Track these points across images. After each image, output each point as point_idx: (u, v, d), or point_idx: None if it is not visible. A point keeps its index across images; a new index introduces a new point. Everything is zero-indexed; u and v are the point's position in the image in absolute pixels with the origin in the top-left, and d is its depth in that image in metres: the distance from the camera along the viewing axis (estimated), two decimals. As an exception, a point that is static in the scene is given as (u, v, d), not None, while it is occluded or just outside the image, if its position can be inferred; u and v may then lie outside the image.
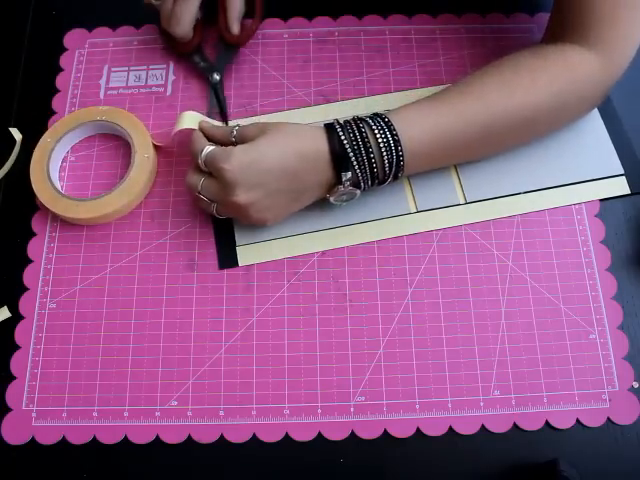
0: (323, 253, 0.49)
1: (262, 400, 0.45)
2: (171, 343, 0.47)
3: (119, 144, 0.53)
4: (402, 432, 0.44)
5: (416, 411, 0.45)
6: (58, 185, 0.51)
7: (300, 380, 0.46)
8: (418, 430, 0.44)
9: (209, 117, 0.52)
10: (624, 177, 0.48)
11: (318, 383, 0.46)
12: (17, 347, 0.47)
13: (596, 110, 0.51)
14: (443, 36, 0.57)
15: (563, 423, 0.44)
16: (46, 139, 0.51)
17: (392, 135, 0.43)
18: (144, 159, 0.50)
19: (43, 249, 0.50)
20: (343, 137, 0.43)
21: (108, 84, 0.56)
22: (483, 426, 0.44)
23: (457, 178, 0.50)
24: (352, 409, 0.45)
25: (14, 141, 0.54)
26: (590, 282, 0.48)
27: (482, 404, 0.45)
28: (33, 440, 0.45)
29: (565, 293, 0.48)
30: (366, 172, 0.44)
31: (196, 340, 0.47)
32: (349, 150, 0.43)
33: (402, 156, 0.44)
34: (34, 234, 0.51)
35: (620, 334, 0.47)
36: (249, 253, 0.49)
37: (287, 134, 0.43)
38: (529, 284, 0.48)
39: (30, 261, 0.50)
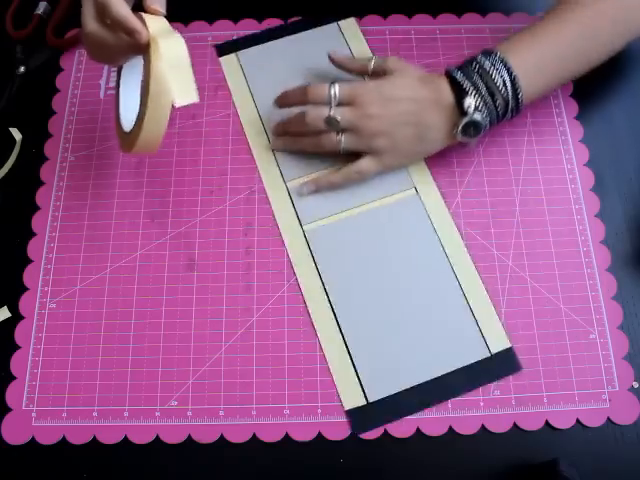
0: (323, 253, 0.49)
1: (262, 400, 0.45)
2: (171, 343, 0.47)
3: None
4: (402, 432, 0.44)
5: (416, 411, 0.45)
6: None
7: (300, 380, 0.46)
8: (418, 430, 0.44)
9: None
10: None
11: (318, 383, 0.46)
12: (17, 347, 0.47)
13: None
14: (443, 36, 0.57)
15: (563, 423, 0.44)
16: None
17: (509, 74, 0.45)
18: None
19: (43, 249, 0.50)
20: (460, 73, 0.46)
21: (108, 84, 0.56)
22: (483, 426, 0.44)
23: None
24: (352, 409, 0.45)
25: (14, 141, 0.54)
26: (590, 282, 0.48)
27: (482, 404, 0.45)
28: (33, 440, 0.45)
29: (565, 293, 0.48)
30: (485, 97, 0.45)
31: (196, 340, 0.47)
32: (462, 80, 0.46)
33: (519, 88, 0.46)
34: (34, 234, 0.51)
35: (620, 334, 0.47)
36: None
37: (417, 75, 0.48)
38: (529, 284, 0.48)
39: (30, 261, 0.50)
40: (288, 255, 0.49)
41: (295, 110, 0.50)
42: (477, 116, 0.45)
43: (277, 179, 0.52)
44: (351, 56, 0.56)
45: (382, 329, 0.47)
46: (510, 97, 0.46)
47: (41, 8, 0.58)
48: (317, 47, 0.55)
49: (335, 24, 0.57)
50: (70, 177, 0.53)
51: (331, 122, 0.47)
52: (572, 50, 0.47)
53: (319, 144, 0.49)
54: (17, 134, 0.54)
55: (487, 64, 0.46)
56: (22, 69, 0.57)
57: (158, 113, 0.41)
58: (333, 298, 0.48)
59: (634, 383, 0.45)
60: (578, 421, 0.44)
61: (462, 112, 0.46)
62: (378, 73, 0.50)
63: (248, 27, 0.58)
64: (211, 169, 0.52)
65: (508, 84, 0.45)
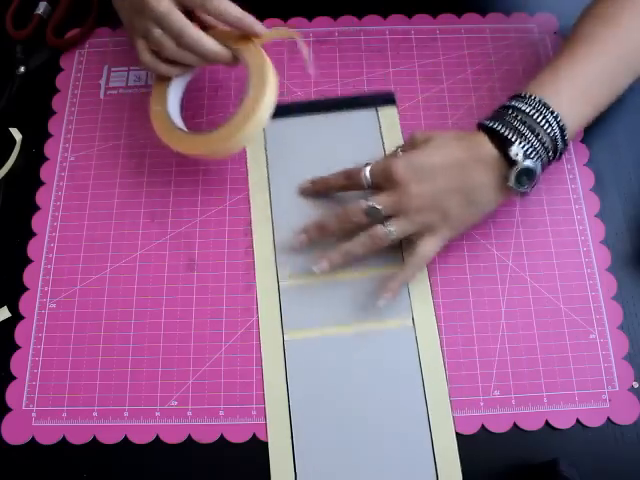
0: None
1: (262, 400, 0.45)
2: (171, 343, 0.47)
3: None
4: (402, 432, 0.44)
5: (416, 411, 0.45)
6: (182, 126, 0.49)
7: (300, 380, 0.46)
8: (418, 430, 0.44)
9: None
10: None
11: (318, 383, 0.46)
12: (17, 347, 0.47)
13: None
14: (443, 36, 0.57)
15: (563, 423, 0.44)
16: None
17: (550, 112, 0.43)
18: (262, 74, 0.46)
19: (43, 249, 0.50)
20: (497, 123, 0.44)
21: (108, 84, 0.56)
22: (483, 426, 0.44)
23: None
24: (352, 409, 0.45)
25: (14, 141, 0.54)
26: (590, 282, 0.48)
27: (482, 404, 0.45)
28: (33, 440, 0.45)
29: (565, 293, 0.48)
30: (532, 141, 0.43)
31: (196, 340, 0.47)
32: (503, 130, 0.43)
33: (565, 133, 0.44)
34: (34, 234, 0.51)
35: (620, 334, 0.47)
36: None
37: (449, 137, 0.45)
38: (529, 284, 0.48)
39: (30, 261, 0.50)
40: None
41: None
42: (528, 163, 0.42)
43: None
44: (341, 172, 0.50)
45: (334, 454, 0.44)
46: (558, 135, 0.43)
47: (41, 8, 0.58)
48: (349, 131, 0.53)
49: (374, 110, 0.54)
50: (70, 177, 0.53)
51: (371, 213, 0.44)
52: (606, 73, 0.45)
53: (370, 243, 0.45)
54: (17, 134, 0.54)
55: (525, 107, 0.43)
56: (22, 69, 0.57)
57: (262, 118, 0.46)
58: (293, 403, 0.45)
59: (634, 383, 0.45)
60: (578, 421, 0.44)
61: (510, 163, 0.43)
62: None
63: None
64: (211, 169, 0.52)
65: (552, 122, 0.43)
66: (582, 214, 0.50)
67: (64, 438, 0.45)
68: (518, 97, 0.45)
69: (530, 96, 0.44)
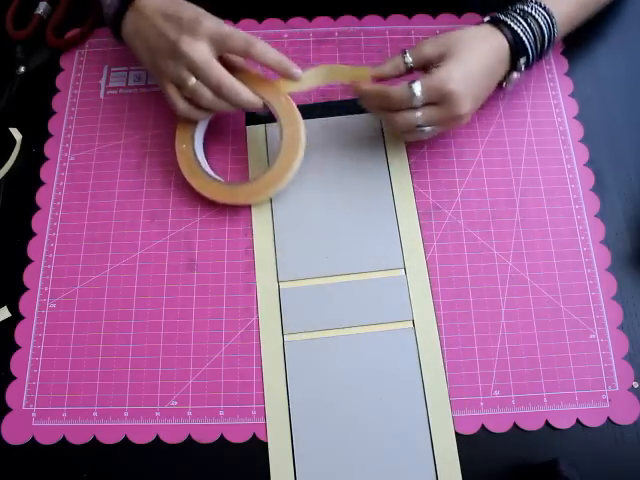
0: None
1: (262, 400, 0.45)
2: (171, 343, 0.47)
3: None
4: (402, 432, 0.44)
5: (416, 411, 0.45)
6: (207, 168, 0.51)
7: (300, 380, 0.46)
8: (418, 430, 0.44)
9: None
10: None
11: (318, 383, 0.46)
12: (17, 347, 0.47)
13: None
14: (443, 36, 0.57)
15: (563, 423, 0.44)
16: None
17: (550, 18, 0.48)
18: (292, 132, 0.49)
19: (43, 249, 0.50)
20: (517, 28, 0.47)
21: (108, 84, 0.56)
22: (483, 426, 0.44)
23: None
24: (352, 409, 0.45)
25: (14, 141, 0.54)
26: (590, 282, 0.48)
27: (482, 404, 0.45)
28: (33, 440, 0.45)
29: (565, 293, 0.48)
30: (536, 52, 0.48)
31: (196, 340, 0.47)
32: (524, 39, 0.47)
33: (556, 31, 0.49)
34: (34, 234, 0.51)
35: (620, 334, 0.47)
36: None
37: (474, 39, 0.47)
38: (529, 284, 0.48)
39: (30, 261, 0.50)
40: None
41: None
42: (519, 31, 0.47)
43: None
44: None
45: (334, 454, 0.44)
46: (549, 22, 0.48)
47: (41, 8, 0.58)
48: (350, 135, 0.53)
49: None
50: (70, 177, 0.53)
51: (423, 128, 0.46)
52: None
53: (415, 139, 0.49)
54: (17, 134, 0.54)
55: (527, 8, 0.48)
56: (22, 69, 0.57)
57: (293, 175, 0.49)
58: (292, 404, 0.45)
59: (634, 383, 0.45)
60: (578, 421, 0.44)
61: (519, 54, 0.48)
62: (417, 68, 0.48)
63: (248, 27, 0.58)
64: (211, 169, 0.52)
65: (546, 16, 0.48)
66: (582, 214, 0.50)
67: (64, 438, 0.45)
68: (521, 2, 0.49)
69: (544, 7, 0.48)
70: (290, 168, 0.49)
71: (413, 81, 0.44)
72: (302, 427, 0.44)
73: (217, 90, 0.46)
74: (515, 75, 0.49)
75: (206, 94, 0.46)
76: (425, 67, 0.48)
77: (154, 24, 0.47)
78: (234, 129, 0.54)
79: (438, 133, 0.48)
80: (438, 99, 0.45)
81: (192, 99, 0.47)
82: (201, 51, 0.45)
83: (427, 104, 0.45)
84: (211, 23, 0.46)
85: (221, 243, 0.50)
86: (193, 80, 0.46)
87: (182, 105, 0.48)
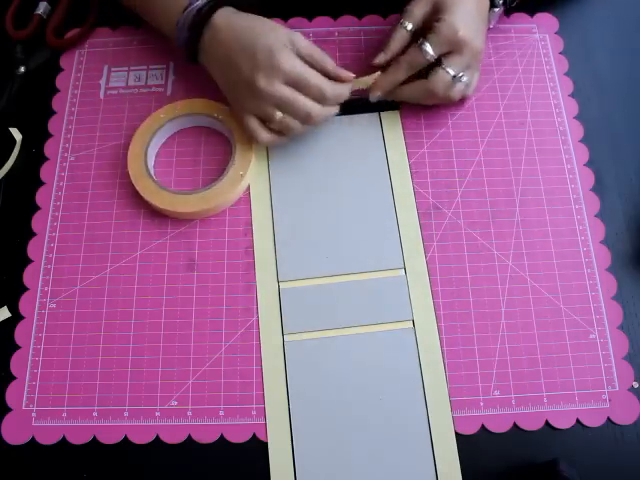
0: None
1: (262, 400, 0.45)
2: (171, 343, 0.47)
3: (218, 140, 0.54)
4: (402, 432, 0.44)
5: (416, 411, 0.45)
6: (153, 175, 0.51)
7: (300, 380, 0.46)
8: (418, 430, 0.44)
9: None
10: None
11: (318, 383, 0.46)
12: (17, 347, 0.47)
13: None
14: (443, 36, 0.57)
15: (563, 423, 0.44)
16: (159, 115, 0.52)
17: None
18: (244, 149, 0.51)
19: (43, 249, 0.50)
20: None
21: (108, 84, 0.56)
22: (483, 426, 0.44)
23: None
24: (352, 409, 0.45)
25: (14, 141, 0.54)
26: (590, 282, 0.48)
27: (482, 404, 0.45)
28: (33, 440, 0.45)
29: (565, 293, 0.48)
30: None
31: (196, 340, 0.47)
32: None
33: None
34: (34, 234, 0.51)
35: (620, 334, 0.47)
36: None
37: None
38: (529, 284, 0.48)
39: (30, 261, 0.50)
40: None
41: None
42: None
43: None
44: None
45: (334, 454, 0.44)
46: None
47: (41, 8, 0.58)
48: (351, 134, 0.53)
49: (376, 113, 0.54)
50: (70, 177, 0.53)
51: (460, 78, 0.49)
52: None
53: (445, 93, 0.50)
54: (17, 134, 0.54)
55: None
56: (22, 69, 0.57)
57: (245, 186, 0.52)
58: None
59: (634, 383, 0.45)
60: (578, 421, 0.44)
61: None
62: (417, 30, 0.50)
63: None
64: (211, 169, 0.52)
65: None
66: (582, 214, 0.50)
67: (64, 438, 0.45)
68: None
69: None
70: (244, 179, 0.50)
71: (421, 42, 0.48)
72: (302, 427, 0.44)
73: (307, 121, 0.48)
74: (495, 10, 0.52)
75: (295, 125, 0.48)
76: (424, 23, 0.49)
77: (229, 54, 0.47)
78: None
79: (476, 82, 0.51)
80: (452, 48, 0.48)
81: (277, 130, 0.48)
82: (281, 90, 0.46)
83: (444, 56, 0.48)
84: (286, 60, 0.45)
85: (221, 243, 0.50)
86: (280, 114, 0.47)
87: (265, 136, 0.49)
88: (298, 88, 0.46)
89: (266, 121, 0.48)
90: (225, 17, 0.48)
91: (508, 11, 0.55)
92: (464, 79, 0.49)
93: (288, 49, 0.46)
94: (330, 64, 0.48)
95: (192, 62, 0.51)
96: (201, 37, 0.48)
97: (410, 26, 0.49)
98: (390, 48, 0.50)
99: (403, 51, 0.50)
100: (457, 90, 0.50)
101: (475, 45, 0.48)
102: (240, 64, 0.46)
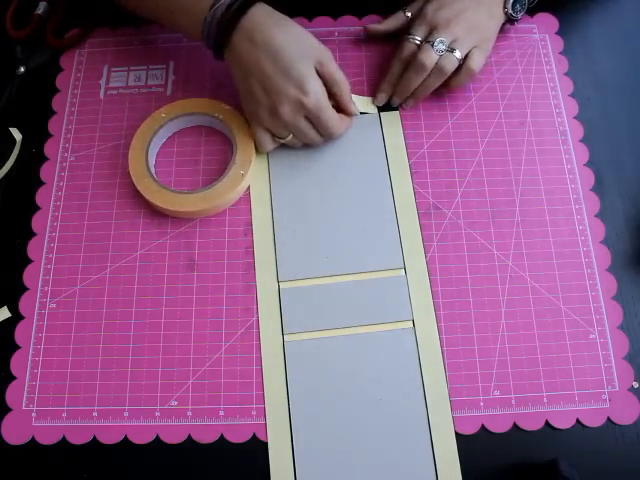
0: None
1: (262, 400, 0.45)
2: (171, 343, 0.47)
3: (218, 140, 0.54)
4: (402, 432, 0.44)
5: (416, 411, 0.45)
6: (155, 175, 0.51)
7: (300, 380, 0.46)
8: (418, 430, 0.44)
9: None
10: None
11: (318, 383, 0.46)
12: (17, 347, 0.47)
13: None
14: (443, 36, 0.57)
15: (563, 423, 0.44)
16: (160, 114, 0.52)
17: None
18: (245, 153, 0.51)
19: (43, 249, 0.50)
20: None
21: (108, 84, 0.56)
22: (483, 426, 0.44)
23: None
24: (352, 409, 0.45)
25: (14, 141, 0.54)
26: (590, 282, 0.48)
27: (482, 404, 0.45)
28: (33, 440, 0.45)
29: (565, 293, 0.48)
30: None
31: (196, 340, 0.47)
32: None
33: None
34: (34, 234, 0.51)
35: (620, 334, 0.47)
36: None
37: None
38: (529, 284, 0.48)
39: (30, 261, 0.50)
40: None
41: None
42: None
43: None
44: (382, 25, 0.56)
45: (334, 454, 0.44)
46: None
47: (41, 8, 0.58)
48: (351, 134, 0.52)
49: (376, 114, 0.54)
50: (70, 177, 0.53)
51: (445, 55, 0.50)
52: None
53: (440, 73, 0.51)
54: (17, 134, 0.54)
55: None
56: (22, 69, 0.57)
57: (245, 187, 0.52)
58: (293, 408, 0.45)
59: (634, 383, 0.45)
60: (578, 421, 0.44)
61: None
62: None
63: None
64: (211, 169, 0.52)
65: None
66: (582, 214, 0.50)
67: (64, 438, 0.45)
68: None
69: None
70: (244, 179, 0.50)
71: (409, 34, 0.51)
72: (302, 427, 0.44)
73: (310, 143, 0.51)
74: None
75: (300, 144, 0.51)
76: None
77: (261, 69, 0.46)
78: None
79: (481, 60, 0.51)
80: (432, 25, 0.50)
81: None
82: (300, 123, 0.48)
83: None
84: (313, 94, 0.46)
85: (221, 243, 0.50)
86: (290, 137, 0.49)
87: (271, 147, 0.51)
88: (311, 119, 0.48)
89: (274, 135, 0.50)
90: (258, 22, 0.45)
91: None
92: (456, 53, 0.50)
93: (317, 78, 0.47)
94: (345, 97, 0.50)
95: (219, 59, 0.49)
96: (230, 37, 0.46)
97: (410, 14, 0.54)
98: (386, 22, 0.55)
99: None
100: (449, 62, 0.50)
101: (462, 19, 0.49)
102: (269, 86, 0.46)
